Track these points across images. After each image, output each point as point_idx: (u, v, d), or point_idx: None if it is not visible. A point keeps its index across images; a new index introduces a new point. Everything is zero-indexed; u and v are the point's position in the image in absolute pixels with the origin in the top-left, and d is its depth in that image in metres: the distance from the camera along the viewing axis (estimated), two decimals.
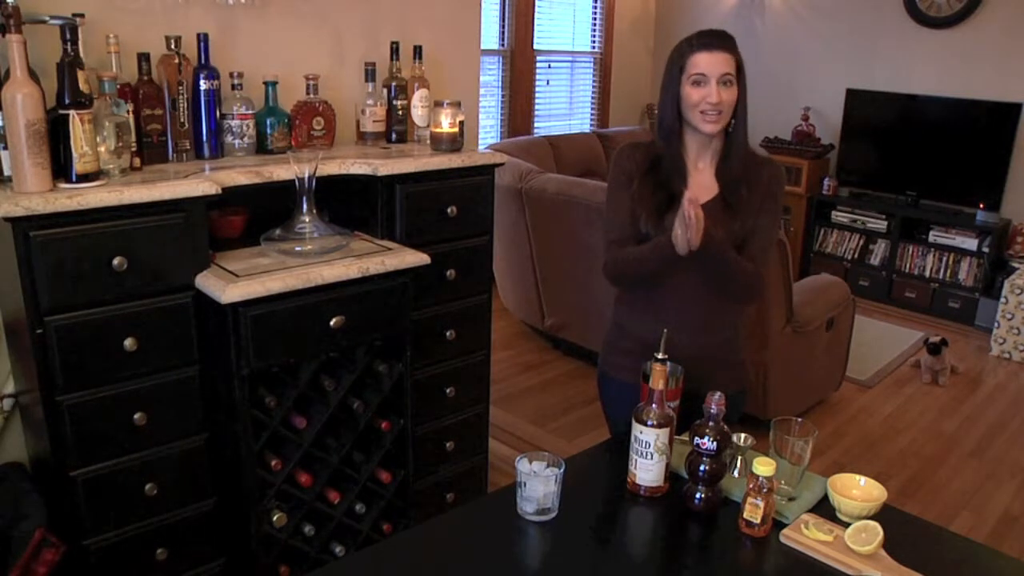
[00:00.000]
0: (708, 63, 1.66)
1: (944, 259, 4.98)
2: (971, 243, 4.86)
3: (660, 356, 1.49)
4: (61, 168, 1.69)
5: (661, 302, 1.78)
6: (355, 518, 2.15)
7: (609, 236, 1.81)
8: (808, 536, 1.35)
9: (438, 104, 2.28)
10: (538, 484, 1.38)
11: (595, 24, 5.88)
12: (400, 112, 2.42)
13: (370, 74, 2.35)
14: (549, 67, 5.58)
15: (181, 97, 1.98)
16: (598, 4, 5.84)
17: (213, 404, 1.94)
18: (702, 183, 1.76)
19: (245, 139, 2.12)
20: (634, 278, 1.81)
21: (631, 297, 1.86)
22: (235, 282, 1.77)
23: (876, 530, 1.31)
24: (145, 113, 1.92)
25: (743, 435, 1.54)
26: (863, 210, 5.29)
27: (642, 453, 1.46)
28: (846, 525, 1.36)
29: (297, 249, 1.93)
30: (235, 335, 1.79)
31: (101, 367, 1.76)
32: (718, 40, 1.67)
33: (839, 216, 5.39)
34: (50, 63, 1.78)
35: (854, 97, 5.28)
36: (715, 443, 1.41)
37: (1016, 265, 4.61)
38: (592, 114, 6.05)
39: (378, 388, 2.11)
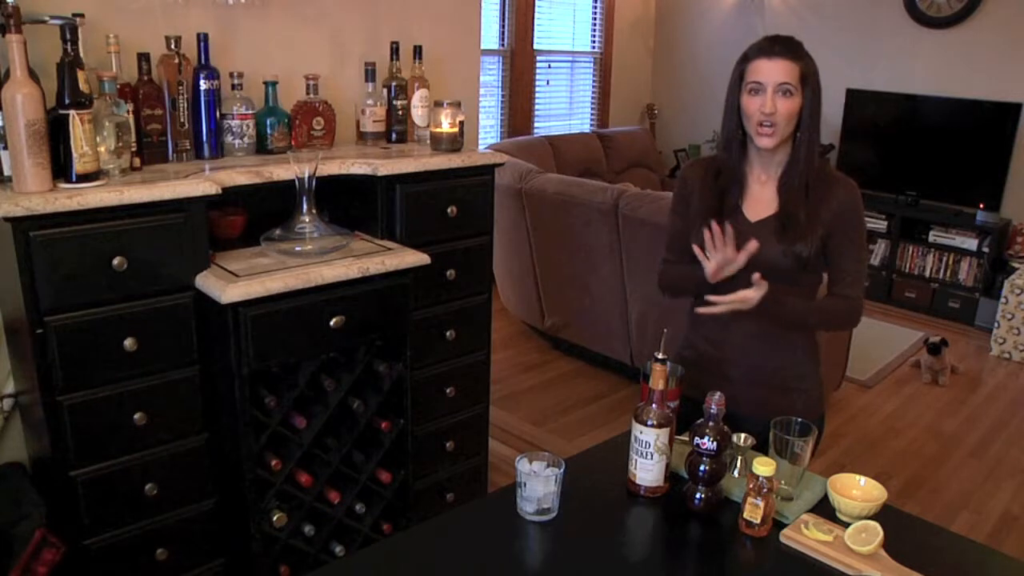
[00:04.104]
0: (766, 70, 1.56)
1: (944, 259, 4.98)
2: (971, 243, 4.86)
3: (660, 356, 1.49)
4: (61, 168, 1.69)
5: (717, 320, 1.68)
6: (355, 518, 2.15)
7: (666, 254, 1.81)
8: (808, 536, 1.35)
9: (438, 104, 2.28)
10: (538, 484, 1.38)
11: (595, 24, 5.88)
12: (400, 112, 2.42)
13: (370, 74, 2.35)
14: (549, 67, 5.58)
15: (181, 97, 1.98)
16: (598, 4, 5.84)
17: (213, 404, 1.94)
18: (762, 197, 1.67)
19: (245, 139, 2.12)
20: (684, 295, 1.80)
21: (693, 313, 1.78)
22: (235, 282, 1.77)
23: (876, 530, 1.31)
24: (145, 113, 1.92)
25: (743, 435, 1.54)
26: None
27: (642, 453, 1.46)
28: (846, 525, 1.36)
29: (297, 249, 1.93)
30: (235, 335, 1.79)
31: (101, 367, 1.76)
32: (780, 46, 1.56)
33: None
34: (50, 63, 1.78)
35: (854, 97, 5.28)
36: (715, 443, 1.41)
37: (1016, 265, 4.61)
38: (592, 114, 6.05)
39: (378, 388, 2.11)
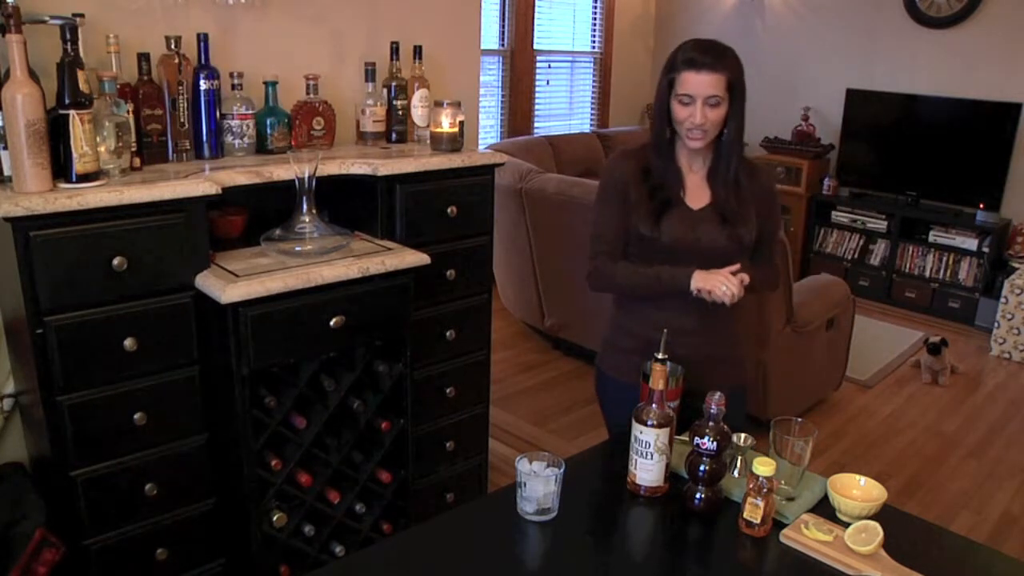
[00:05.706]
0: (694, 85, 1.64)
1: (944, 259, 4.98)
2: (971, 243, 4.86)
3: (660, 356, 1.49)
4: (61, 168, 1.69)
5: (661, 302, 1.78)
6: (355, 518, 2.15)
7: (597, 247, 1.83)
8: (808, 536, 1.35)
9: (438, 104, 2.28)
10: (538, 484, 1.38)
11: (595, 24, 5.88)
12: (400, 112, 2.42)
13: (370, 74, 2.35)
14: (549, 67, 5.58)
15: (181, 97, 1.98)
16: (598, 4, 5.84)
17: (213, 404, 1.94)
18: (697, 187, 1.78)
19: (245, 139, 2.12)
20: (629, 293, 1.84)
21: (630, 298, 1.87)
22: (235, 282, 1.77)
23: (876, 530, 1.31)
24: (145, 113, 1.92)
25: (743, 435, 1.54)
26: (863, 210, 5.29)
27: (642, 453, 1.46)
28: (846, 525, 1.36)
29: (297, 249, 1.93)
30: (235, 335, 1.79)
31: (101, 367, 1.76)
32: (709, 58, 1.63)
33: (839, 216, 5.39)
34: (50, 63, 1.78)
35: (854, 97, 5.28)
36: (715, 443, 1.41)
37: (1016, 265, 4.61)
38: (592, 114, 6.05)
39: (378, 388, 2.11)
